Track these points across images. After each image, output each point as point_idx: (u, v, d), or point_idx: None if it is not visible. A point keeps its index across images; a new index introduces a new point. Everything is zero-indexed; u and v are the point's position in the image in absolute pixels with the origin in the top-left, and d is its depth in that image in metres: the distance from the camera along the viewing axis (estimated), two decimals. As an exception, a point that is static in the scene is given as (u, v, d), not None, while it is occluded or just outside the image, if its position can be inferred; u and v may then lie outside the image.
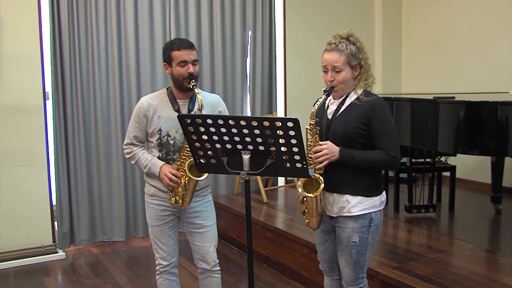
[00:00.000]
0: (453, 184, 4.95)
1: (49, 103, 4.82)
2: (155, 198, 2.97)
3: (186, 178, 2.77)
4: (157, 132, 2.87)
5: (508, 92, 4.67)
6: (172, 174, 2.78)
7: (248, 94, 5.86)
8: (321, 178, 2.47)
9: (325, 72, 2.53)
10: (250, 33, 5.80)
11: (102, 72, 5.04)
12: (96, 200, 5.13)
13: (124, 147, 3.00)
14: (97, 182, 5.11)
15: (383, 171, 2.69)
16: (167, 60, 2.86)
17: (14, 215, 4.66)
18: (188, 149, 2.68)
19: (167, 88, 2.97)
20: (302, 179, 2.50)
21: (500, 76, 5.64)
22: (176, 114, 2.75)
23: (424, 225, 4.53)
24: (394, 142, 2.49)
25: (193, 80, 2.79)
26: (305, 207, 2.56)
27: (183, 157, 2.79)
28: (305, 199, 2.53)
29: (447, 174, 5.02)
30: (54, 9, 4.73)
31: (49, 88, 4.80)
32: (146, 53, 5.22)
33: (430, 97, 4.30)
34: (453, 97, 4.13)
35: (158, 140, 2.88)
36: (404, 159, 4.86)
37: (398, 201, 4.89)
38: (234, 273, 4.33)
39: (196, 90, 2.78)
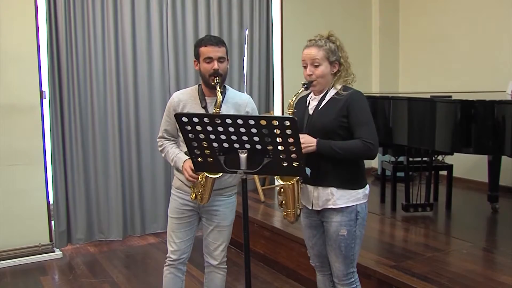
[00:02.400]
0: (450, 183, 4.96)
1: (46, 102, 4.81)
2: (179, 191, 3.00)
3: (203, 176, 2.77)
4: None
5: (505, 91, 4.67)
6: (192, 170, 2.78)
7: (246, 93, 5.85)
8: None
9: (305, 67, 2.61)
10: (247, 32, 5.80)
11: (99, 71, 5.04)
12: (93, 199, 5.13)
13: (157, 140, 3.05)
14: (94, 181, 5.11)
15: (365, 164, 2.74)
16: (196, 56, 2.89)
17: (11, 214, 4.65)
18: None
19: (199, 85, 2.98)
20: None
21: (497, 75, 5.65)
22: (203, 111, 2.83)
23: (421, 224, 4.53)
24: (370, 130, 2.53)
25: (217, 78, 2.77)
26: (283, 199, 2.61)
27: None
28: (281, 189, 2.59)
29: (444, 173, 5.02)
30: (50, 8, 4.72)
31: (46, 87, 4.79)
32: (143, 52, 5.21)
33: (427, 96, 4.30)
34: (450, 96, 4.13)
35: None
36: (401, 158, 4.87)
37: (395, 200, 4.90)
38: (231, 272, 4.30)
39: (217, 88, 2.75)
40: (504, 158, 4.62)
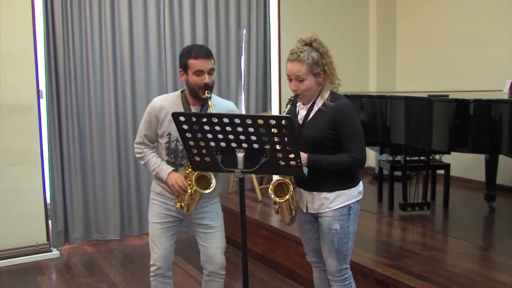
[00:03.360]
0: (448, 182, 4.96)
1: (43, 102, 4.80)
2: (161, 196, 2.94)
3: (193, 190, 2.73)
4: (167, 135, 2.83)
5: (502, 90, 4.68)
6: (181, 184, 2.75)
7: (243, 93, 5.86)
8: (291, 182, 2.57)
9: (290, 80, 2.61)
10: (244, 31, 5.80)
11: (96, 71, 5.03)
12: (91, 198, 5.12)
13: (135, 145, 2.97)
14: (91, 181, 5.10)
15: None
16: (183, 67, 2.77)
17: (8, 214, 4.64)
18: None
19: (181, 92, 2.90)
20: (272, 183, 2.59)
21: (494, 74, 5.65)
22: None
23: (419, 223, 4.54)
24: (360, 145, 2.56)
25: (207, 91, 2.72)
26: (278, 208, 2.68)
27: None
28: (275, 202, 2.63)
29: (442, 172, 5.02)
30: (47, 8, 4.71)
31: (43, 87, 4.78)
32: (140, 51, 5.20)
33: (425, 95, 4.31)
34: (447, 95, 4.14)
35: (167, 144, 2.85)
36: (398, 157, 4.87)
37: (392, 199, 4.89)
38: (228, 272, 4.25)
39: (210, 103, 2.70)
40: (501, 157, 4.64)
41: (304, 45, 2.55)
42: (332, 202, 2.60)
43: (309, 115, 2.62)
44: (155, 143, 2.94)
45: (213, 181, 2.71)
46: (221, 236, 3.01)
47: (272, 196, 2.57)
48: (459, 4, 6.14)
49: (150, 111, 2.86)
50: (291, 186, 2.57)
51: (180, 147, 2.81)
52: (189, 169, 2.74)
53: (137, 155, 2.97)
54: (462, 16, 6.09)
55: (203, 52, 2.75)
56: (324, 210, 2.62)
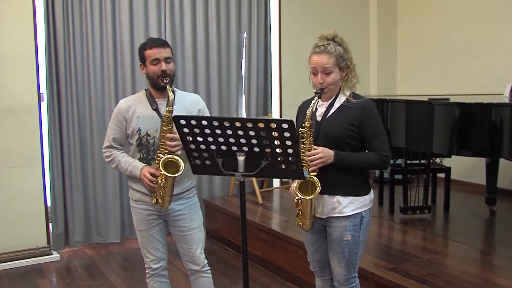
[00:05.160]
0: (448, 185, 4.96)
1: (44, 104, 4.80)
2: (140, 203, 2.95)
3: (163, 177, 2.74)
4: (136, 132, 2.85)
5: (502, 94, 4.68)
6: (151, 174, 2.76)
7: (243, 96, 5.84)
8: (318, 181, 2.48)
9: (314, 74, 2.54)
10: (245, 34, 5.79)
11: (97, 73, 5.03)
12: (91, 201, 5.11)
13: (103, 150, 2.97)
14: (92, 184, 5.09)
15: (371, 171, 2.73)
16: (142, 59, 2.87)
17: (8, 217, 4.64)
18: (164, 147, 2.72)
19: (145, 90, 2.96)
20: (298, 181, 2.52)
21: (495, 77, 5.65)
22: (155, 113, 2.82)
23: (419, 226, 4.53)
24: (385, 142, 2.55)
25: (166, 78, 2.77)
26: (299, 209, 2.57)
27: (160, 155, 2.76)
28: (299, 201, 2.54)
29: (442, 175, 5.02)
30: (49, 10, 4.72)
31: (43, 89, 4.79)
32: (141, 55, 5.19)
33: (425, 98, 4.30)
34: (448, 99, 4.14)
35: (138, 141, 2.86)
36: (399, 161, 4.87)
37: (393, 202, 4.89)
38: (229, 275, 4.32)
39: (168, 87, 2.75)
40: (501, 161, 4.63)
41: (327, 40, 2.54)
42: (345, 208, 2.54)
43: (330, 111, 2.57)
44: (124, 146, 2.97)
45: (182, 164, 2.71)
46: (200, 236, 3.02)
47: (297, 192, 2.50)
48: (459, 7, 6.14)
49: (117, 114, 2.93)
50: (318, 185, 2.48)
51: (151, 141, 2.85)
52: (157, 159, 2.75)
53: (107, 159, 2.97)
54: (463, 19, 6.09)
55: (157, 41, 2.85)
56: (336, 215, 2.55)
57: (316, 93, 2.51)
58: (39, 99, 4.73)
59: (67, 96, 4.88)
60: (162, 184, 2.75)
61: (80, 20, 4.92)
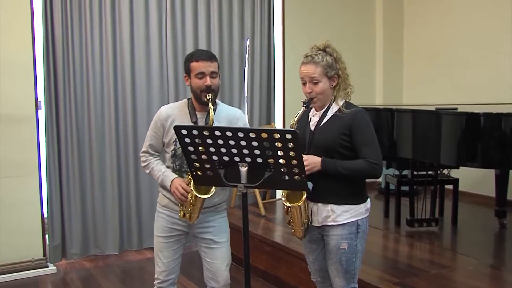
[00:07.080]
0: (456, 197, 4.88)
1: (42, 113, 4.74)
2: (167, 209, 2.92)
3: (193, 196, 2.71)
4: (173, 142, 2.83)
5: (511, 104, 4.61)
6: (183, 188, 2.73)
7: (246, 105, 5.81)
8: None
9: (304, 84, 2.61)
10: (248, 42, 5.76)
11: (96, 82, 4.97)
12: (89, 212, 5.03)
13: (140, 155, 3.00)
14: (90, 194, 5.02)
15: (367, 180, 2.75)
16: (187, 71, 2.82)
17: (3, 228, 4.55)
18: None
19: (188, 99, 2.91)
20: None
21: (502, 86, 5.61)
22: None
23: (426, 239, 4.47)
24: (375, 150, 2.54)
25: (209, 94, 2.71)
26: (290, 217, 2.63)
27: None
28: (289, 209, 2.59)
29: (450, 187, 4.95)
30: (47, 18, 4.67)
31: (41, 98, 4.72)
32: (141, 63, 5.15)
33: (432, 108, 4.27)
34: (456, 108, 4.11)
35: (173, 151, 2.84)
36: (405, 172, 4.83)
37: (399, 214, 4.82)
38: (230, 289, 4.22)
39: (210, 105, 2.70)
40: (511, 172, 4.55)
41: (318, 50, 2.59)
42: (339, 216, 2.55)
43: (323, 121, 2.60)
44: (161, 152, 2.95)
45: (213, 187, 2.69)
46: (226, 252, 2.96)
47: (283, 200, 2.56)
48: (466, 15, 6.12)
49: (156, 120, 2.90)
50: (304, 192, 2.51)
51: None
52: (190, 176, 2.72)
53: (142, 164, 2.98)
54: (470, 27, 6.07)
55: (205, 55, 2.81)
56: (330, 223, 2.56)
57: (303, 102, 2.57)
58: (37, 107, 4.67)
59: (65, 105, 4.82)
60: (191, 201, 2.72)
61: (79, 28, 4.87)
